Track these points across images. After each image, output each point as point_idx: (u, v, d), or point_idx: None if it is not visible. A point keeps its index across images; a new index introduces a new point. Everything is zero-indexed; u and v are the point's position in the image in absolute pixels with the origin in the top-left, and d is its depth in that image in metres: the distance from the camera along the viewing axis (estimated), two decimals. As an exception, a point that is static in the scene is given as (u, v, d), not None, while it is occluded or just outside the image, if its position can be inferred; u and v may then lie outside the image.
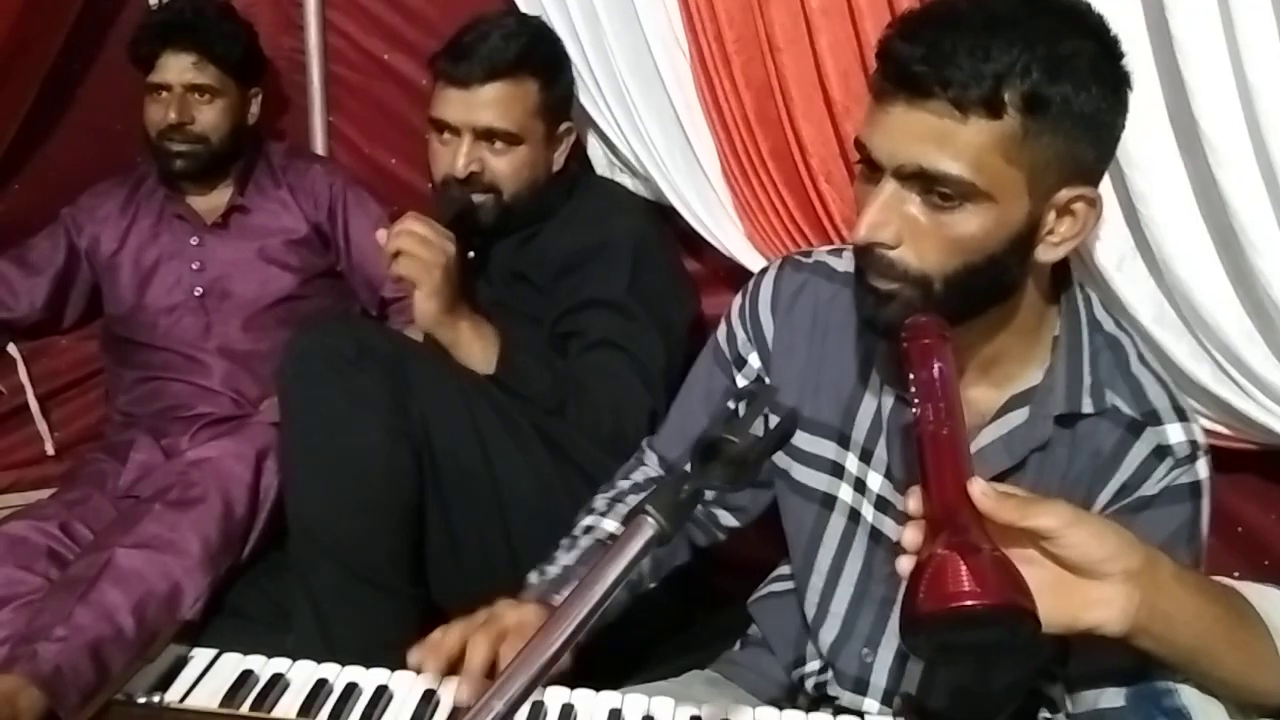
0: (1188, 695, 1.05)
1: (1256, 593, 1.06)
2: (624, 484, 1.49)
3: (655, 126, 1.87)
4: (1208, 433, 1.48)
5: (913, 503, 0.97)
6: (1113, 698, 1.10)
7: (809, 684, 1.38)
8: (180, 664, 1.17)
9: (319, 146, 2.40)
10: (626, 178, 1.99)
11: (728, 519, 1.48)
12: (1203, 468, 1.15)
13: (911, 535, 0.95)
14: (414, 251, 1.65)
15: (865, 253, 1.10)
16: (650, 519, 0.77)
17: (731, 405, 0.86)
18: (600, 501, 1.46)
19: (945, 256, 1.07)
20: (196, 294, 2.14)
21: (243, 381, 2.12)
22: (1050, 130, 1.02)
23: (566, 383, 1.72)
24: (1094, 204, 1.08)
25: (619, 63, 1.87)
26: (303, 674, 1.18)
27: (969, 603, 0.86)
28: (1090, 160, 1.06)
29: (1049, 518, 0.94)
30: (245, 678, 1.16)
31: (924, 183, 1.05)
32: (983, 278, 1.08)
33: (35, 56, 2.12)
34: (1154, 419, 1.15)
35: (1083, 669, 1.14)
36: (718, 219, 1.85)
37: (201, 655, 1.19)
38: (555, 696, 1.17)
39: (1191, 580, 1.00)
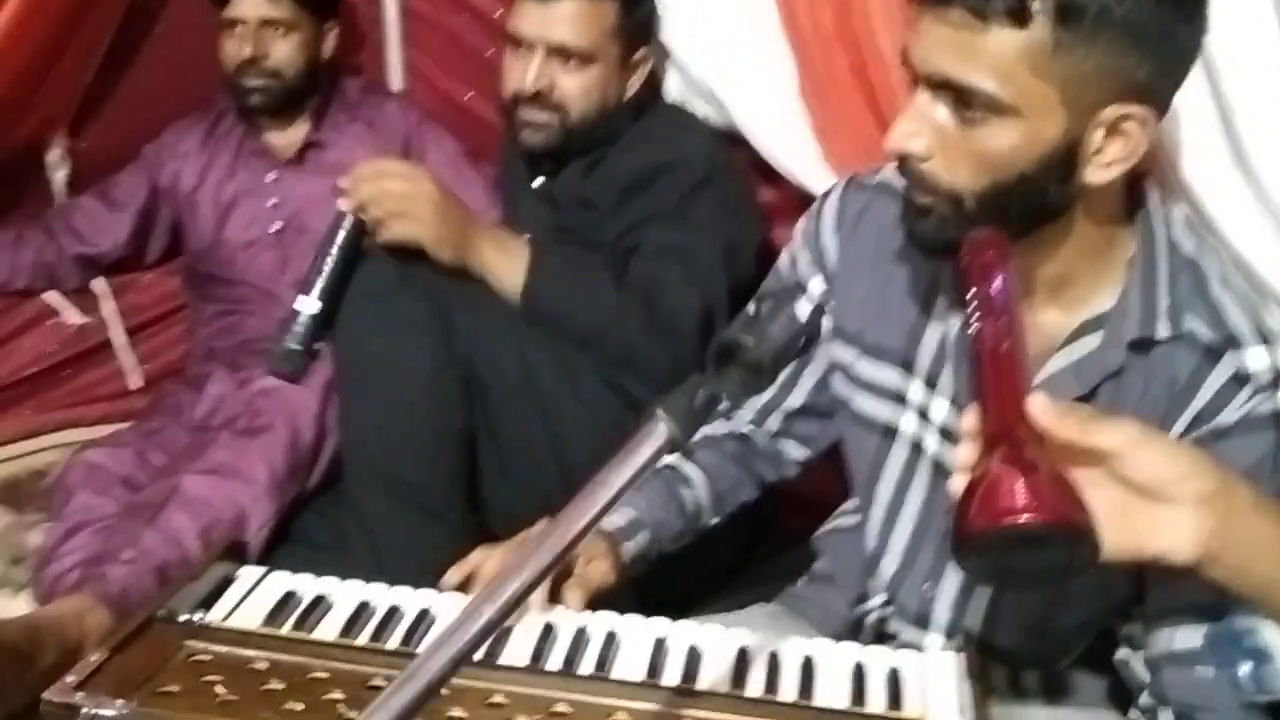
0: (1270, 634, 0.98)
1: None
2: None
3: (731, 49, 1.81)
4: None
5: (968, 420, 0.90)
6: (1189, 637, 1.04)
7: (871, 619, 1.33)
8: (226, 583, 1.17)
9: (396, 82, 2.38)
10: (700, 104, 1.93)
11: (794, 451, 1.44)
12: None
13: (966, 453, 0.89)
14: (388, 190, 1.64)
15: (901, 165, 1.06)
16: (663, 423, 0.73)
17: (751, 308, 0.81)
18: None
19: (974, 173, 1.02)
20: (273, 230, 2.15)
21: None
22: (1087, 41, 0.95)
23: (604, 299, 1.68)
24: (1148, 124, 1.00)
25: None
26: (347, 596, 1.17)
27: (1023, 519, 0.80)
28: (1143, 75, 0.97)
29: (1114, 435, 0.87)
30: (289, 599, 1.15)
31: (951, 94, 1.00)
32: (1017, 197, 1.02)
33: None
34: (1233, 343, 1.07)
35: (1158, 607, 1.08)
36: (794, 145, 1.78)
37: (248, 574, 1.19)
38: (601, 623, 1.15)
39: (1273, 509, 0.92)
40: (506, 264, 1.66)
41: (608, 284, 1.70)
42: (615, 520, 1.30)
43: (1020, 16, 0.94)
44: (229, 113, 2.23)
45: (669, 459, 1.37)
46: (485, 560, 1.20)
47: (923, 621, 1.27)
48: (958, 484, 0.87)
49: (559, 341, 1.67)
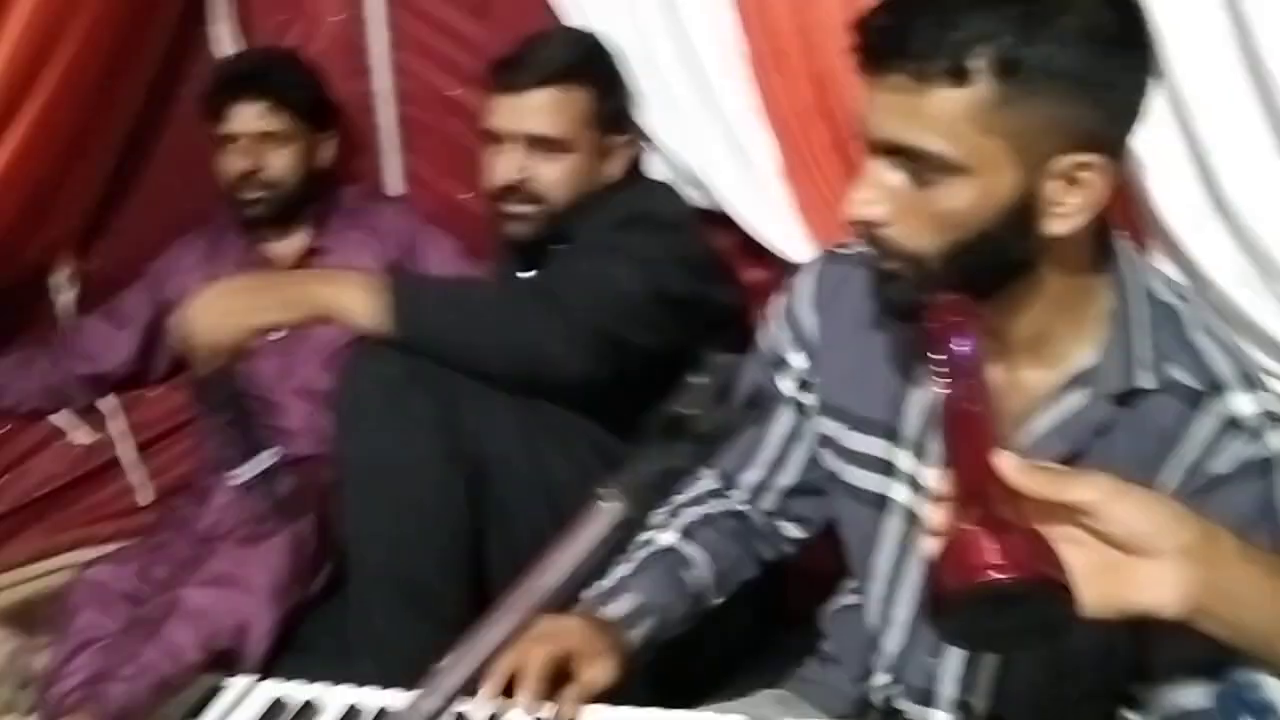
0: (1273, 687, 0.94)
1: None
2: (682, 498, 1.43)
3: (711, 133, 1.83)
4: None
5: (940, 484, 0.89)
6: (1193, 696, 1.01)
7: (877, 697, 1.30)
8: (212, 694, 1.15)
9: (396, 187, 2.41)
10: (687, 189, 1.94)
11: (792, 530, 1.42)
12: (1278, 440, 1.04)
13: (937, 516, 0.87)
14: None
15: (863, 233, 1.06)
16: (611, 501, 0.71)
17: (694, 379, 0.80)
18: (658, 515, 1.42)
19: (934, 235, 1.01)
20: (276, 338, 2.17)
21: (323, 421, 2.12)
22: (1031, 95, 0.95)
23: (491, 306, 1.61)
24: (1105, 172, 0.99)
25: (671, 71, 1.84)
26: (336, 701, 1.15)
27: (995, 576, 0.79)
28: (1092, 124, 0.97)
29: (1087, 490, 0.85)
30: (276, 707, 1.14)
31: (903, 158, 1.00)
32: (980, 255, 1.01)
33: (115, 117, 2.19)
34: (1219, 389, 1.05)
35: (1160, 666, 1.05)
36: (778, 223, 1.79)
37: (237, 684, 1.17)
38: (591, 715, 1.12)
39: (1261, 558, 0.90)
40: (349, 294, 1.54)
41: (495, 293, 1.67)
42: (620, 608, 1.28)
43: (960, 75, 0.95)
44: (230, 227, 2.26)
45: (669, 540, 1.36)
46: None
47: (928, 698, 1.23)
48: (931, 548, 0.85)
49: (569, 435, 1.65)
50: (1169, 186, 1.40)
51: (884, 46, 0.98)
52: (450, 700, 0.64)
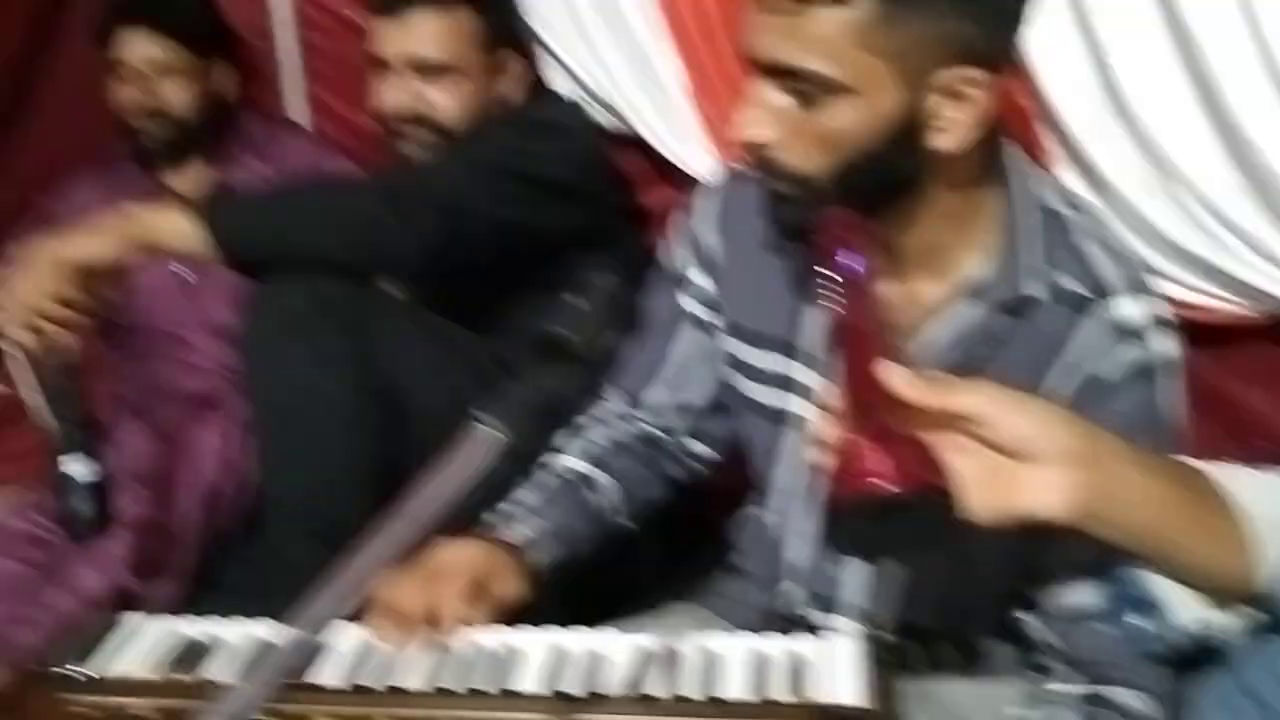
0: (1160, 584, 0.96)
1: (1226, 472, 0.96)
2: (586, 420, 1.43)
3: (616, 52, 1.80)
4: (1193, 307, 1.39)
5: (828, 397, 0.90)
6: (1083, 594, 1.04)
7: (783, 606, 1.31)
8: (106, 630, 1.13)
9: (299, 115, 2.35)
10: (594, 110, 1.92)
11: (700, 449, 1.42)
12: (1165, 343, 1.06)
13: (824, 428, 0.88)
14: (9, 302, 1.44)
15: (752, 154, 1.06)
16: (489, 425, 0.70)
17: (569, 298, 0.79)
18: (563, 439, 1.41)
19: (821, 154, 1.02)
20: (179, 273, 2.12)
21: (230, 356, 2.08)
22: (910, 11, 0.95)
23: (315, 201, 1.57)
24: (988, 85, 0.99)
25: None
26: (234, 634, 1.13)
27: (880, 485, 0.81)
28: (974, 37, 0.97)
29: (971, 398, 0.86)
30: (175, 642, 1.12)
31: (787, 79, 1.00)
32: (867, 173, 1.02)
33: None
34: (1105, 294, 1.06)
35: (1052, 565, 1.07)
36: (686, 142, 1.78)
37: (131, 621, 1.15)
38: (496, 638, 1.11)
39: (1144, 460, 0.91)
40: (169, 221, 1.48)
41: (322, 187, 1.65)
42: (523, 532, 1.27)
43: None
44: (127, 159, 2.19)
45: (573, 464, 1.36)
46: (383, 589, 1.15)
47: (832, 606, 1.25)
48: (822, 460, 0.86)
49: (486, 364, 1.63)
50: (1069, 92, 1.41)
51: None
52: (325, 627, 0.63)
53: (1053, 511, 0.87)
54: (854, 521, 0.83)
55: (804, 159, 1.02)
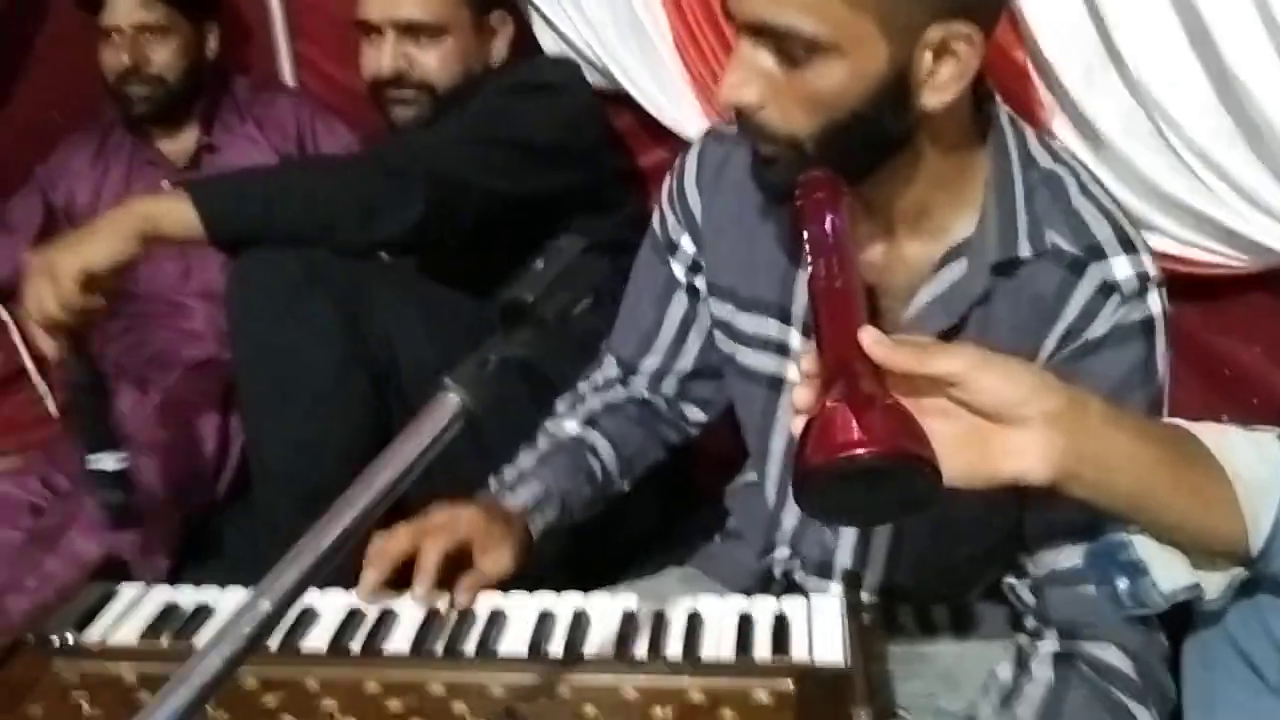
0: (1143, 547, 0.96)
1: (1216, 433, 0.96)
2: (584, 386, 1.43)
3: (602, 8, 1.78)
4: (1187, 261, 1.38)
5: (806, 362, 0.88)
6: (1068, 556, 1.03)
7: (777, 570, 1.31)
8: (104, 600, 1.14)
9: (287, 76, 2.34)
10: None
11: (694, 413, 1.42)
12: (1155, 301, 1.05)
13: (802, 394, 0.86)
14: (32, 300, 1.40)
15: (738, 117, 1.04)
16: (451, 393, 0.70)
17: (538, 264, 0.78)
18: (561, 404, 1.41)
19: (808, 116, 0.99)
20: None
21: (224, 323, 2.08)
22: None
23: (305, 178, 1.56)
24: (975, 41, 0.97)
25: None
26: (228, 602, 1.14)
27: (857, 451, 0.78)
28: None
29: (952, 362, 0.85)
30: (168, 612, 1.12)
31: (772, 39, 0.97)
32: (855, 134, 0.99)
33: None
34: (1097, 253, 1.05)
35: (1037, 529, 1.06)
36: (674, 100, 1.76)
37: (127, 591, 1.16)
38: (486, 602, 1.12)
39: (1128, 422, 0.91)
40: (167, 207, 1.46)
41: (316, 165, 1.67)
42: (520, 497, 1.27)
43: None
44: (118, 124, 2.18)
45: (572, 429, 1.36)
46: (376, 540, 1.15)
47: (825, 570, 1.25)
48: (797, 425, 0.85)
49: (482, 333, 1.62)
50: (1064, 44, 1.40)
51: None
52: (291, 595, 0.63)
53: (1035, 475, 0.87)
54: (827, 488, 0.81)
55: (790, 120, 1.00)
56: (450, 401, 0.70)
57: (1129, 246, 1.06)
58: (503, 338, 0.73)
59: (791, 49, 0.96)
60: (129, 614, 1.12)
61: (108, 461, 1.44)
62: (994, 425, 0.86)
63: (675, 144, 1.79)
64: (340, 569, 1.04)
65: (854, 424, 0.79)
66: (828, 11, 0.94)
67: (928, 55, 0.97)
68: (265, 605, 0.63)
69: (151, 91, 2.07)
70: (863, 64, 0.96)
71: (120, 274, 1.41)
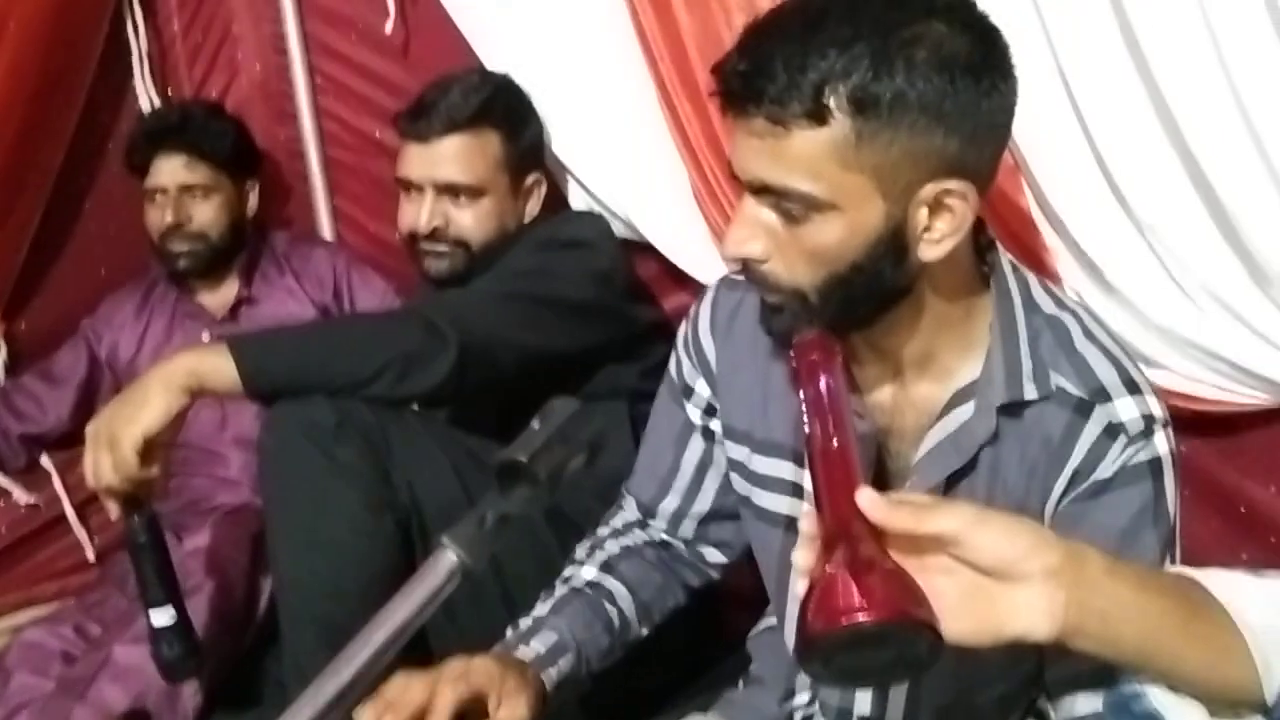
0: (1158, 696, 0.94)
1: (1224, 581, 0.95)
2: (603, 531, 1.44)
3: (626, 164, 1.85)
4: (1198, 399, 1.39)
5: (805, 524, 0.90)
6: (1087, 703, 1.01)
7: (799, 716, 1.30)
8: (126, 754, 1.15)
9: (325, 230, 2.43)
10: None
11: (714, 555, 1.42)
12: (1162, 442, 1.06)
13: (803, 557, 0.88)
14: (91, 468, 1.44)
15: (744, 268, 1.08)
16: (450, 551, 0.72)
17: (535, 424, 0.81)
18: (580, 551, 1.42)
19: (809, 269, 1.03)
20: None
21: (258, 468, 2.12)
22: (888, 129, 0.96)
23: (338, 334, 1.63)
24: (970, 196, 1.00)
25: (587, 107, 1.88)
26: (248, 753, 1.15)
27: (858, 618, 0.80)
28: (952, 151, 0.98)
29: (949, 520, 0.86)
30: (189, 762, 1.14)
31: (772, 197, 1.01)
32: (856, 286, 1.03)
33: (39, 174, 2.19)
34: (1102, 396, 1.06)
35: (1056, 675, 1.06)
36: (694, 249, 1.81)
37: (150, 743, 1.17)
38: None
39: (1129, 573, 0.90)
40: (210, 361, 1.51)
41: (350, 323, 1.71)
42: (535, 647, 1.27)
43: (818, 116, 0.96)
44: (161, 279, 2.27)
45: (590, 575, 1.36)
46: (391, 685, 1.16)
47: (845, 716, 1.24)
48: (800, 588, 0.86)
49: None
50: (1066, 185, 1.43)
51: (741, 92, 0.99)
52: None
53: (1038, 631, 0.86)
54: (830, 655, 0.82)
55: (793, 272, 1.04)
56: (448, 559, 0.72)
57: (1134, 388, 1.07)
58: (499, 495, 0.76)
59: (790, 207, 1.00)
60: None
61: (164, 616, 1.46)
62: (995, 583, 0.86)
63: (696, 290, 1.83)
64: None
65: (854, 590, 0.80)
66: (823, 172, 0.98)
67: (923, 211, 1.00)
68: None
69: (193, 247, 2.15)
70: (859, 220, 1.00)
71: (173, 430, 1.47)
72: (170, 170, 2.13)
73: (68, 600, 2.16)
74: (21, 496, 2.27)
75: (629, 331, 1.81)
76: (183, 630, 1.45)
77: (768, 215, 1.03)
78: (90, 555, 2.32)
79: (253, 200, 2.25)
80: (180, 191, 2.13)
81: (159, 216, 2.14)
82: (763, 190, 1.02)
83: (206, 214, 2.16)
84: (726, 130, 1.66)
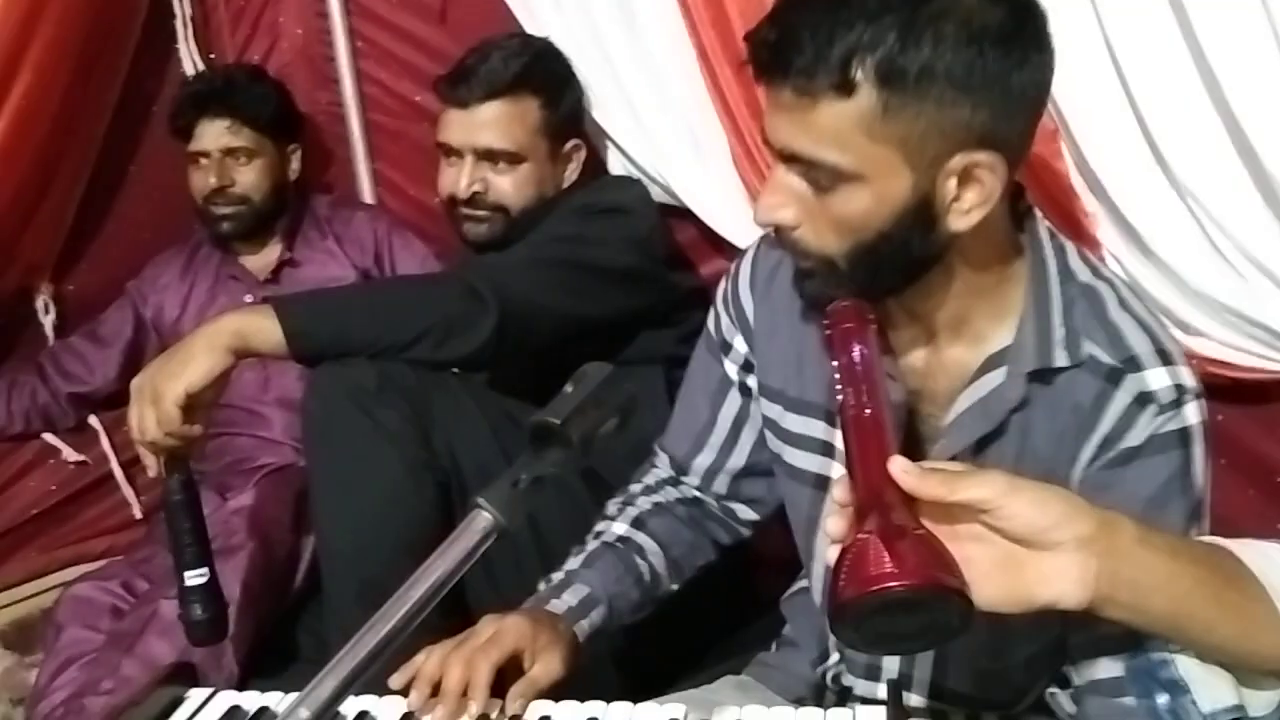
0: (1185, 665, 0.95)
1: (1256, 551, 0.96)
2: (635, 487, 1.46)
3: (666, 129, 1.86)
4: (1231, 366, 1.38)
5: (838, 491, 0.91)
6: (1110, 668, 1.02)
7: (829, 677, 1.32)
8: (173, 705, 1.18)
9: (366, 194, 2.44)
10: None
11: (746, 512, 1.44)
12: (1193, 413, 1.05)
13: (836, 524, 0.89)
14: (136, 424, 1.45)
15: (776, 234, 1.08)
16: (485, 512, 0.74)
17: (569, 388, 0.82)
18: (612, 507, 1.44)
19: (837, 237, 1.03)
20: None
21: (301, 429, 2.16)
22: (915, 101, 0.96)
23: (379, 295, 1.64)
24: (998, 168, 1.00)
25: (625, 69, 1.87)
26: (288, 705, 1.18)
27: (889, 585, 0.81)
28: (981, 123, 0.98)
29: (981, 489, 0.86)
30: (232, 714, 1.16)
31: (800, 165, 1.02)
32: (883, 255, 1.03)
33: (85, 139, 2.22)
34: (1134, 365, 1.06)
35: (1080, 639, 1.06)
36: (733, 213, 1.81)
37: (197, 695, 1.20)
38: (536, 711, 1.14)
39: (1162, 543, 0.91)
40: (254, 323, 1.52)
41: (393, 285, 1.73)
42: (567, 600, 1.29)
43: (845, 88, 0.96)
44: (205, 241, 2.30)
45: (620, 530, 1.38)
46: (427, 660, 1.20)
47: (873, 674, 1.26)
48: (831, 555, 0.87)
49: None
50: (1108, 152, 1.42)
51: (770, 63, 0.99)
52: (329, 704, 0.66)
53: (1069, 600, 0.87)
54: (860, 621, 0.83)
55: (822, 240, 1.05)
56: (482, 519, 0.74)
57: (1166, 358, 1.07)
58: (533, 457, 0.77)
59: (818, 176, 1.01)
60: (195, 719, 1.16)
61: (195, 578, 1.49)
62: (1026, 551, 0.87)
63: (733, 255, 1.84)
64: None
65: (886, 557, 0.81)
66: (851, 143, 0.98)
67: (951, 183, 1.00)
68: (304, 713, 0.66)
69: (236, 210, 2.18)
70: (886, 191, 1.00)
71: (217, 389, 1.48)
72: (213, 134, 2.15)
73: (115, 557, 2.22)
74: (70, 455, 2.33)
75: (667, 298, 1.82)
76: (211, 594, 1.46)
77: (798, 183, 1.03)
78: (137, 512, 2.38)
79: (295, 164, 2.27)
80: (223, 155, 2.16)
81: (203, 180, 2.17)
82: (792, 159, 1.03)
83: (249, 177, 2.18)
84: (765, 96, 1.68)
